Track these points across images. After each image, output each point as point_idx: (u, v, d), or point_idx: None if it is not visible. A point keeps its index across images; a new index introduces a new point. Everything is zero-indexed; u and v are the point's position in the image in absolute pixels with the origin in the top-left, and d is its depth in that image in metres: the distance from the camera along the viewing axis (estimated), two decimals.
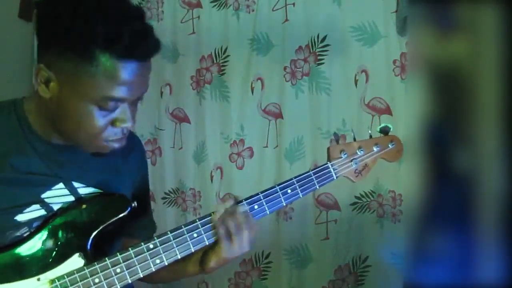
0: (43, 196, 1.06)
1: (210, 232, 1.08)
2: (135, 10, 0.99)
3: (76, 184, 1.09)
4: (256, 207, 1.11)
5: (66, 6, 0.95)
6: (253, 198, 1.11)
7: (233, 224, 1.06)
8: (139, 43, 0.96)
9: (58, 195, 1.07)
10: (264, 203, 1.11)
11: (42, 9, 0.99)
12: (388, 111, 2.08)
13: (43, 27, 0.99)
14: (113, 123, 1.01)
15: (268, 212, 1.12)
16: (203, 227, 1.08)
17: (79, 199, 1.09)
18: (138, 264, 1.04)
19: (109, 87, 0.96)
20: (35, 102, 1.06)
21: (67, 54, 0.95)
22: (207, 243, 1.08)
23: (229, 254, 1.07)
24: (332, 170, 1.16)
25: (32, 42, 2.51)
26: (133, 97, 1.01)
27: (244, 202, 1.10)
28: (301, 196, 1.14)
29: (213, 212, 1.09)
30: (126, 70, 0.96)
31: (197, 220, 1.08)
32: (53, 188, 1.07)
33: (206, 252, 1.11)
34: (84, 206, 1.07)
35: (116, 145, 1.05)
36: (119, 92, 0.97)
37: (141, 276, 1.05)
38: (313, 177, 1.15)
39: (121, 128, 1.02)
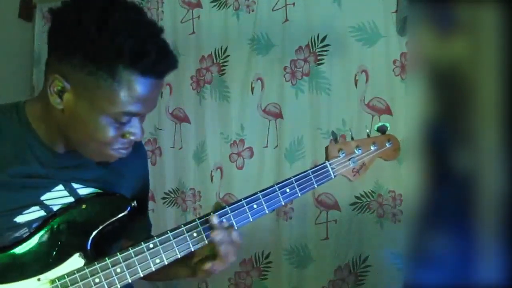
0: (42, 198, 1.06)
1: (210, 231, 1.08)
2: (157, 26, 1.00)
3: (75, 185, 1.09)
4: (255, 206, 1.11)
5: (93, 17, 0.92)
6: (251, 198, 1.11)
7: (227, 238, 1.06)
8: (162, 59, 0.97)
9: (57, 197, 1.07)
10: (263, 202, 1.12)
11: (64, 17, 0.96)
12: (388, 111, 2.08)
13: (63, 37, 0.96)
14: (123, 135, 1.02)
15: (267, 211, 1.12)
16: (203, 226, 1.08)
17: (79, 199, 1.09)
18: (138, 264, 1.04)
19: (128, 103, 0.97)
20: (40, 108, 1.05)
21: (89, 67, 0.94)
22: (206, 242, 1.08)
23: (220, 267, 1.09)
24: (330, 169, 1.17)
25: (32, 42, 2.52)
26: (147, 112, 1.02)
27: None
28: (299, 195, 1.14)
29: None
30: (145, 86, 0.97)
31: (196, 219, 1.08)
32: (52, 190, 1.07)
33: (201, 261, 1.11)
34: (84, 206, 1.07)
35: (123, 152, 1.05)
36: (137, 107, 0.98)
37: (141, 275, 1.05)
38: (311, 176, 1.15)
39: (130, 139, 1.03)
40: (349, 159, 1.19)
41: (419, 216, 0.82)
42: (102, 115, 0.97)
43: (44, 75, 1.02)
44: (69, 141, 1.05)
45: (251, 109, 2.27)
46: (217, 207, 1.10)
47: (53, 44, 1.00)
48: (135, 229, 1.20)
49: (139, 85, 0.96)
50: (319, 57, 2.16)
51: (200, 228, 1.08)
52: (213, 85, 2.32)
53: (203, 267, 1.09)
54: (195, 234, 1.07)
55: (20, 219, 1.05)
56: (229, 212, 1.10)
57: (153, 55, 0.94)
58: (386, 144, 1.22)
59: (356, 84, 2.12)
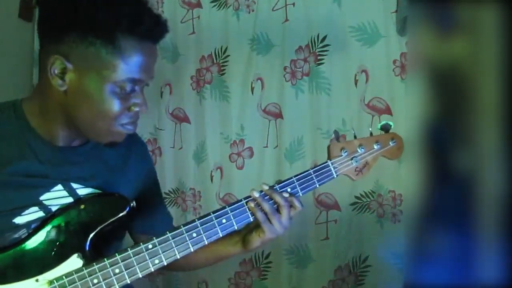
0: (41, 198, 1.06)
1: (210, 231, 1.08)
2: None
3: (74, 185, 1.09)
4: None
5: None
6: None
7: (268, 206, 1.09)
8: (156, 23, 1.01)
9: (56, 197, 1.07)
10: None
11: (57, 1, 0.99)
12: (388, 111, 2.08)
13: (59, 16, 0.98)
14: (129, 108, 1.03)
15: None
16: (202, 227, 1.08)
17: (78, 200, 1.09)
18: (137, 264, 1.04)
19: (131, 69, 0.99)
20: (38, 102, 1.06)
21: (88, 39, 0.97)
22: (206, 243, 1.08)
23: (272, 234, 1.11)
24: (332, 169, 1.16)
25: (32, 42, 2.51)
26: (148, 79, 1.04)
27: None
28: (301, 194, 1.15)
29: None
30: (145, 52, 1.01)
31: (196, 220, 1.08)
32: (51, 190, 1.07)
33: (248, 234, 1.13)
34: (82, 206, 1.07)
35: (130, 127, 1.06)
36: (139, 73, 1.01)
37: (140, 276, 1.05)
38: (313, 175, 1.15)
39: (135, 111, 1.05)
40: (352, 158, 1.18)
41: (419, 216, 0.82)
42: (106, 85, 0.99)
43: (40, 64, 1.04)
44: (73, 127, 1.05)
45: (251, 109, 2.26)
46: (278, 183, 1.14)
47: (47, 28, 1.02)
48: (154, 225, 1.21)
49: (138, 50, 0.99)
50: (319, 57, 2.15)
51: (200, 228, 1.08)
52: (213, 85, 2.32)
53: (253, 241, 1.13)
54: (194, 234, 1.07)
55: (19, 220, 1.05)
56: (229, 212, 1.10)
57: (148, 20, 0.99)
58: (390, 143, 1.21)
59: (356, 84, 2.12)
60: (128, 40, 0.98)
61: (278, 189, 1.13)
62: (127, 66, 0.99)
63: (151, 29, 1.00)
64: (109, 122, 1.03)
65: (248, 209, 1.10)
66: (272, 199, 1.11)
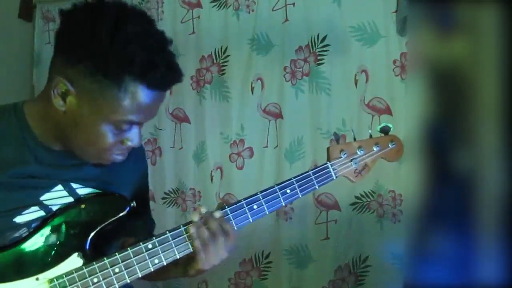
0: (42, 198, 1.06)
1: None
2: (166, 37, 0.99)
3: (74, 185, 1.09)
4: (255, 207, 1.11)
5: (106, 26, 0.93)
6: (251, 199, 1.11)
7: (206, 234, 1.05)
8: (170, 73, 0.97)
9: (57, 197, 1.08)
10: (263, 203, 1.12)
11: (76, 22, 0.97)
12: (388, 111, 2.08)
13: (73, 42, 0.96)
14: (122, 141, 1.03)
15: (267, 212, 1.12)
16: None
17: (78, 199, 1.09)
18: (137, 264, 1.05)
19: (131, 112, 0.98)
20: (40, 109, 1.05)
21: (96, 75, 0.94)
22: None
23: (205, 264, 1.06)
24: (331, 170, 1.16)
25: (32, 42, 2.52)
26: (147, 121, 1.03)
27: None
28: (300, 196, 1.14)
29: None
30: (150, 98, 0.98)
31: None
32: (52, 190, 1.07)
33: (188, 259, 1.10)
34: (83, 206, 1.07)
35: (119, 157, 1.06)
36: (139, 117, 0.99)
37: (140, 276, 1.05)
38: (312, 177, 1.15)
39: (128, 145, 1.04)
40: (351, 160, 1.18)
41: (419, 216, 0.82)
42: (103, 122, 0.98)
43: (48, 75, 1.02)
44: (66, 143, 1.06)
45: (251, 109, 2.26)
46: (219, 207, 1.10)
47: (61, 46, 1.00)
48: (136, 227, 1.20)
49: (144, 96, 0.97)
50: (319, 57, 2.15)
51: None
52: (213, 85, 2.32)
53: (190, 267, 1.08)
54: None
55: (19, 219, 1.05)
56: (229, 212, 1.09)
57: (162, 69, 0.95)
58: (389, 145, 1.21)
59: (356, 84, 2.12)
60: (135, 85, 0.95)
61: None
62: (128, 109, 0.97)
63: (162, 78, 0.97)
64: (99, 151, 1.03)
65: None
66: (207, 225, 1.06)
